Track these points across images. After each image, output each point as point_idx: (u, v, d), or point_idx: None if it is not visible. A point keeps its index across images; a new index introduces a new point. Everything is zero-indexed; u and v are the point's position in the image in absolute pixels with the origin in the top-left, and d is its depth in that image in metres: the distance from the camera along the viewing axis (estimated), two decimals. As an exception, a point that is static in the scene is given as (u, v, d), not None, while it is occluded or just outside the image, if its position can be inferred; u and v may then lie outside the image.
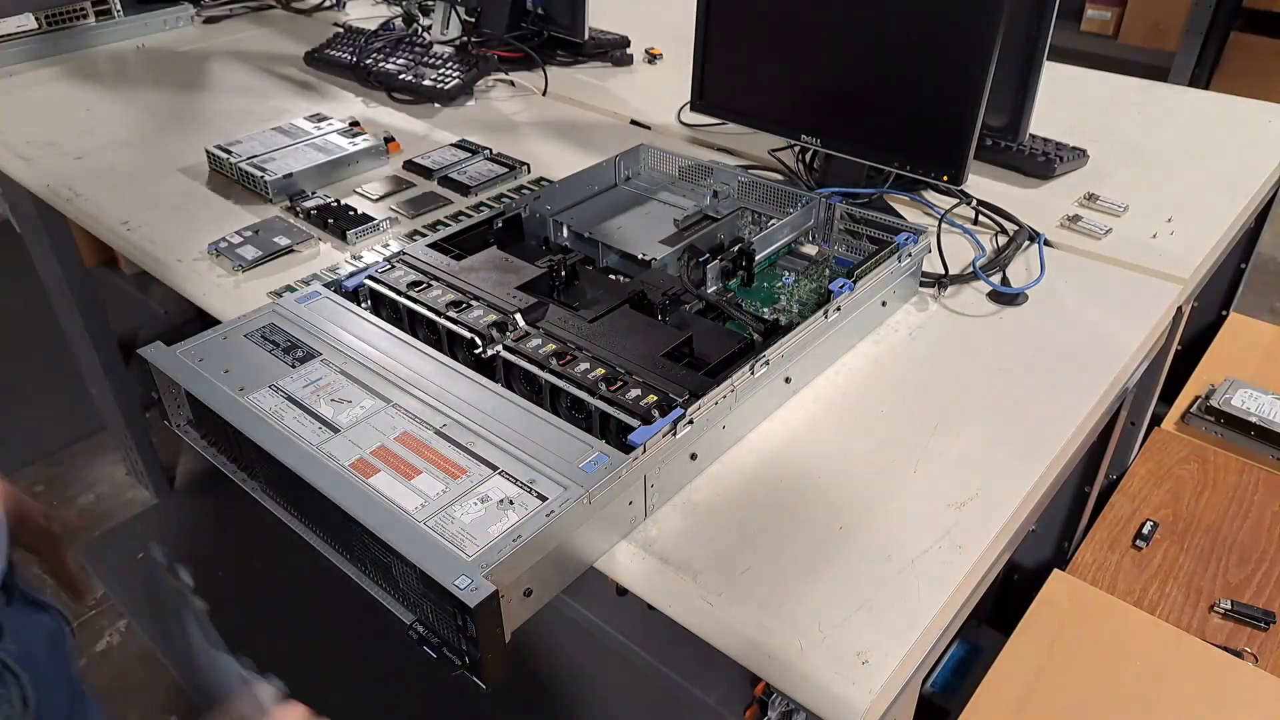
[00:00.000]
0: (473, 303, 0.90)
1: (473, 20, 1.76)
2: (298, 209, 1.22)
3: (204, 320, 0.98)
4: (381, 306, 0.94)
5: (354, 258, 0.98)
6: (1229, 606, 1.04)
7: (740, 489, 0.79)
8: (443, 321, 0.88)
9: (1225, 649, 0.98)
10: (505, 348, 0.85)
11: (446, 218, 1.21)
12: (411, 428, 0.75)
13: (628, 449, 0.72)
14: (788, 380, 0.87)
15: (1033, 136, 1.33)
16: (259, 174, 1.26)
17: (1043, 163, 1.30)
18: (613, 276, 1.02)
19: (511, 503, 0.68)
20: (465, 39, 1.71)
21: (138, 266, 1.24)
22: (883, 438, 0.85)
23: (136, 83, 1.71)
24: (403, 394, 0.79)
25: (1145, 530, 1.13)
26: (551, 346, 0.84)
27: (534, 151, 1.40)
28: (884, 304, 0.99)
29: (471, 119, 1.55)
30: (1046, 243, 1.15)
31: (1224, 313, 1.60)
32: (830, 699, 0.64)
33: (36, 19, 1.79)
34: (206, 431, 0.82)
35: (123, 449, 2.19)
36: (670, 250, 1.02)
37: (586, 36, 1.69)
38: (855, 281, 0.93)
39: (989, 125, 1.27)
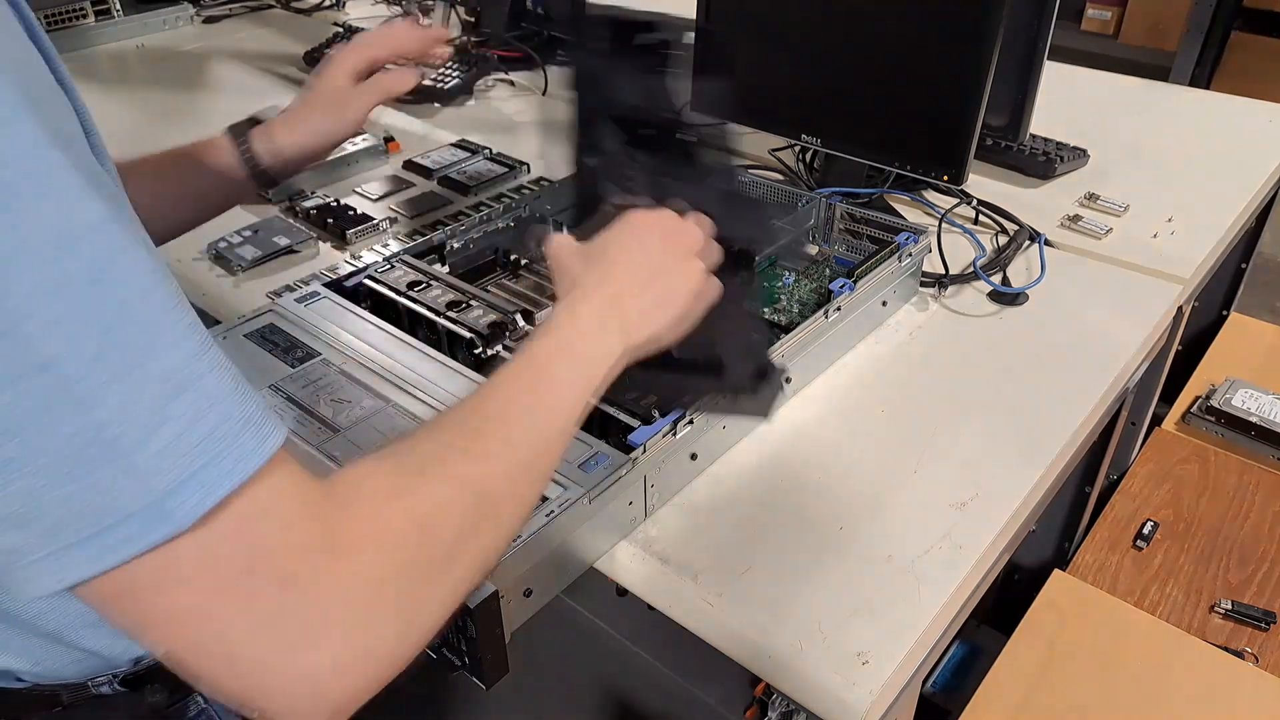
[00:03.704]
0: (472, 303, 0.90)
1: (473, 20, 1.76)
2: (297, 209, 1.21)
3: (203, 320, 0.98)
4: (381, 306, 0.94)
5: (353, 258, 0.98)
6: (1229, 607, 1.03)
7: (740, 489, 0.79)
8: (443, 321, 0.88)
9: (1225, 649, 0.98)
10: (505, 348, 0.84)
11: (446, 218, 1.21)
12: (412, 428, 0.75)
13: (628, 449, 0.72)
14: (788, 380, 0.87)
15: (1033, 136, 1.33)
16: (259, 174, 1.26)
17: (1043, 163, 1.30)
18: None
19: (511, 503, 0.68)
20: (465, 39, 1.71)
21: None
22: (883, 438, 0.85)
23: (136, 83, 1.71)
24: (403, 394, 0.79)
25: (1145, 530, 1.13)
26: (551, 346, 0.84)
27: (534, 151, 1.40)
28: (884, 304, 0.99)
29: (471, 119, 1.55)
30: (1047, 243, 1.14)
31: (1224, 313, 1.60)
32: (830, 699, 0.63)
33: (36, 18, 1.79)
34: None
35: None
36: (670, 250, 1.02)
37: (586, 36, 1.69)
38: (855, 281, 0.93)
39: (989, 125, 1.27)
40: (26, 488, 0.33)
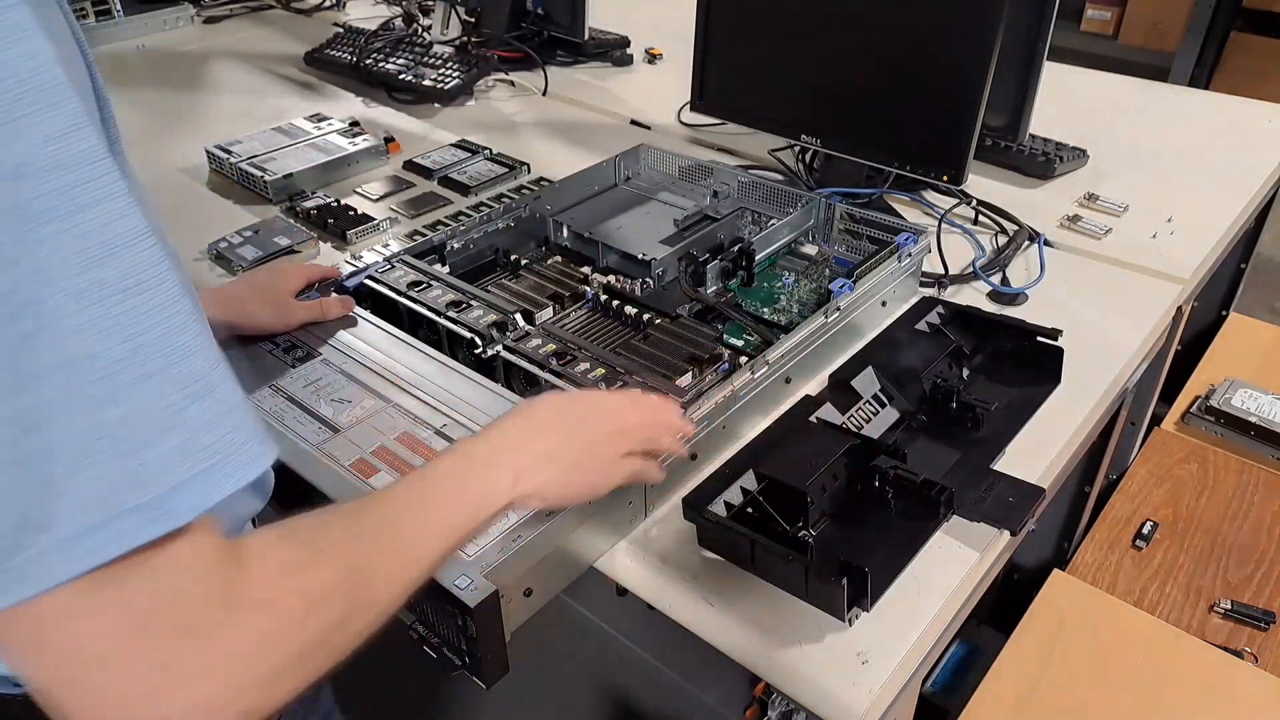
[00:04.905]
0: (472, 303, 0.90)
1: (473, 20, 1.76)
2: (298, 209, 1.22)
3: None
4: (382, 306, 0.94)
5: (354, 258, 0.98)
6: (1229, 606, 1.04)
7: (740, 489, 0.79)
8: (443, 321, 0.88)
9: (1225, 649, 0.98)
10: (505, 348, 0.85)
11: (446, 218, 1.21)
12: (411, 428, 0.75)
13: (628, 449, 0.71)
14: (788, 380, 0.87)
15: (1033, 136, 1.33)
16: (259, 174, 1.26)
17: (1043, 163, 1.30)
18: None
19: (511, 503, 0.68)
20: (465, 39, 1.71)
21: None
22: (883, 438, 0.84)
23: (136, 83, 1.71)
24: (403, 394, 0.79)
25: (1145, 530, 1.13)
26: (551, 346, 0.84)
27: (534, 151, 1.40)
28: (884, 304, 0.99)
29: (471, 119, 1.55)
30: (1046, 243, 1.15)
31: (1224, 313, 1.60)
32: (830, 699, 0.64)
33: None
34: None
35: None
36: (670, 250, 1.02)
37: (586, 36, 1.70)
38: (855, 281, 0.93)
39: (989, 125, 1.27)
40: (46, 477, 0.34)
